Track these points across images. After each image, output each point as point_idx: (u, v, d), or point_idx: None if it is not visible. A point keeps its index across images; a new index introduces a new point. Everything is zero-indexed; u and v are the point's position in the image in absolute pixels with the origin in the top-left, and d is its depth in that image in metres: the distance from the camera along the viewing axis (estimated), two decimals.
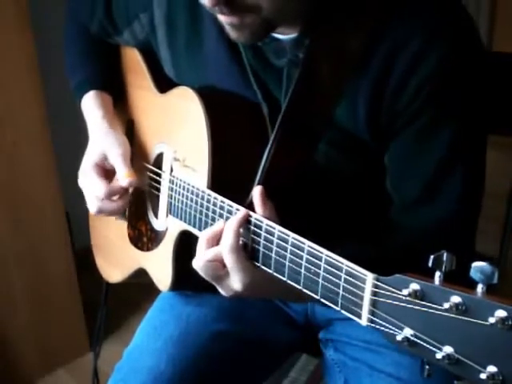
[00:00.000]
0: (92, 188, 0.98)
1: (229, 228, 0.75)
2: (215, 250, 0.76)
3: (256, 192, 0.76)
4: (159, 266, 0.97)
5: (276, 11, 0.73)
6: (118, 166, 0.97)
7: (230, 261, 0.74)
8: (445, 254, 0.53)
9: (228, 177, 0.85)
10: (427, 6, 0.77)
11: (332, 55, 0.80)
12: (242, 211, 0.76)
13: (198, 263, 0.78)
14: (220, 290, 0.80)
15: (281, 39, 0.82)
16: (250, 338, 1.00)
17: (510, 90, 1.28)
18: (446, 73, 0.76)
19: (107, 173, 0.99)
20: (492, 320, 0.48)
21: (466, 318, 0.50)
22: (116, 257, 1.14)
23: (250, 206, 0.76)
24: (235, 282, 0.76)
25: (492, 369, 0.49)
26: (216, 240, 0.77)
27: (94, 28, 1.09)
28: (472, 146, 0.82)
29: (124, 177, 0.96)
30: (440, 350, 0.53)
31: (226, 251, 0.75)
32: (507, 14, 2.98)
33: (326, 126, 0.83)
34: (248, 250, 0.75)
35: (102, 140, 1.00)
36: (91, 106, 1.05)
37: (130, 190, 1.02)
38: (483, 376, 0.49)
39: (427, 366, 0.55)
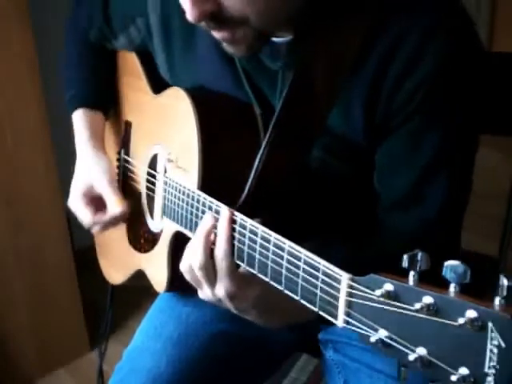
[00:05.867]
0: (81, 216, 1.03)
1: (222, 233, 0.73)
2: (206, 254, 0.74)
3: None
4: (155, 267, 0.97)
5: (265, 20, 0.72)
6: (107, 195, 1.00)
7: (221, 267, 0.73)
8: (419, 254, 0.52)
9: (219, 177, 0.84)
10: (422, 7, 0.76)
11: (326, 59, 0.79)
12: (227, 213, 0.74)
13: (186, 266, 0.76)
14: (200, 293, 0.79)
15: (275, 42, 0.82)
16: (250, 338, 1.00)
17: (510, 89, 1.28)
18: (442, 76, 0.75)
19: (94, 200, 1.02)
20: (461, 321, 0.47)
21: (436, 319, 0.49)
22: (117, 258, 1.15)
23: (242, 208, 0.75)
24: (220, 288, 0.74)
25: (464, 371, 0.48)
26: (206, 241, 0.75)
27: (92, 33, 1.10)
28: (461, 150, 0.82)
29: (115, 205, 0.99)
30: (413, 351, 0.51)
31: (219, 257, 0.73)
32: (507, 14, 2.98)
33: (320, 131, 0.82)
34: (234, 249, 0.74)
35: (88, 168, 1.03)
36: (79, 125, 1.08)
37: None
38: (454, 378, 0.48)
39: (403, 368, 0.54)
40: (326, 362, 1.03)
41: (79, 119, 1.08)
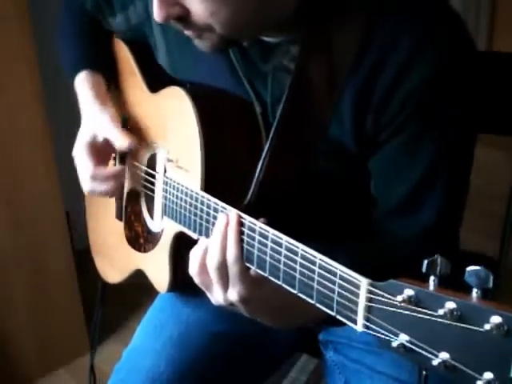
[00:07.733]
0: (82, 168, 0.98)
1: (231, 238, 0.73)
2: (219, 257, 0.73)
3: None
4: (156, 267, 0.97)
5: (230, 31, 0.73)
6: (112, 134, 0.96)
7: (233, 271, 0.73)
8: (439, 259, 0.52)
9: (221, 177, 0.84)
10: (414, 14, 0.75)
11: (322, 66, 0.78)
12: (234, 215, 0.73)
13: (198, 267, 0.76)
14: (211, 298, 0.78)
15: (266, 41, 0.81)
16: (250, 338, 1.00)
17: (510, 89, 1.28)
18: (432, 86, 0.74)
19: (98, 153, 0.99)
20: (487, 326, 0.47)
21: (461, 325, 0.49)
22: (114, 258, 1.14)
23: (247, 209, 0.75)
24: (233, 293, 0.74)
25: (489, 375, 0.48)
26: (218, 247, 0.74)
27: (88, 6, 1.08)
28: (456, 157, 0.81)
29: (122, 140, 0.95)
30: (436, 356, 0.51)
31: (230, 261, 0.72)
32: (507, 14, 2.98)
33: (322, 136, 0.82)
34: (243, 252, 0.73)
35: (93, 119, 0.99)
36: (84, 86, 1.04)
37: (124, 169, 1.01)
38: (479, 383, 0.48)
39: (424, 372, 0.55)
40: (327, 362, 1.03)
41: (83, 81, 1.04)
